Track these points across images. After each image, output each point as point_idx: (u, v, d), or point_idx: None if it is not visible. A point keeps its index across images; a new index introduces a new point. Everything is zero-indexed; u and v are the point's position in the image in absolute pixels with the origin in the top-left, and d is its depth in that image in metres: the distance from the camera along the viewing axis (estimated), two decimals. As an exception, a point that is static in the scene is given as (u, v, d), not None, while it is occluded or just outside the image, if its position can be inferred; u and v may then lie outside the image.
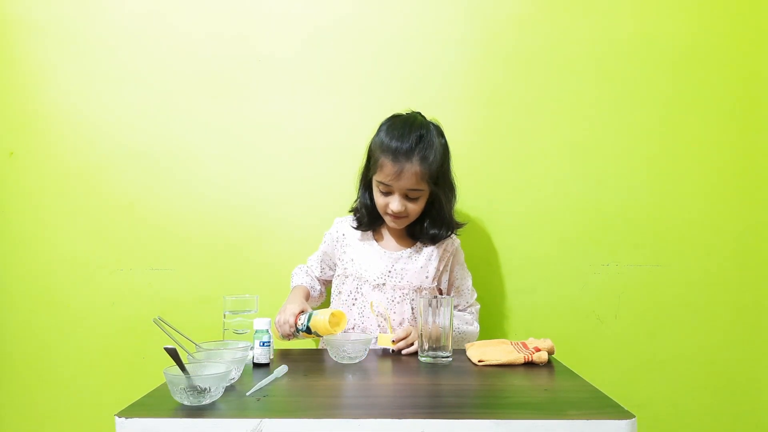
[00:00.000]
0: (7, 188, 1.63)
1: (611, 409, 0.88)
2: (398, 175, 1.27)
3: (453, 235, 1.43)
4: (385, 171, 1.28)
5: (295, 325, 1.27)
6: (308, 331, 1.26)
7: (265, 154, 1.62)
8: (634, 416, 0.84)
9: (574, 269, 1.62)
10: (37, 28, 1.62)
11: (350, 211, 1.47)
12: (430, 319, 1.19)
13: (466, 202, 1.57)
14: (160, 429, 0.84)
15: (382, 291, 1.37)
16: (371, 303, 1.36)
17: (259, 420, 0.83)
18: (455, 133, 1.45)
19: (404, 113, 1.38)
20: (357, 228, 1.43)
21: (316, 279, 1.51)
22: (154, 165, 1.62)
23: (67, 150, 1.63)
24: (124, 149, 1.63)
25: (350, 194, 1.49)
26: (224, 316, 1.23)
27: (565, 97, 1.61)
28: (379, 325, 1.36)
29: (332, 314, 1.24)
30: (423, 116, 1.38)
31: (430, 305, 1.19)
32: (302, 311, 1.29)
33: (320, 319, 1.23)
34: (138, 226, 1.62)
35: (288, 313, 1.29)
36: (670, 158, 1.61)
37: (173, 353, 0.91)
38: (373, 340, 1.28)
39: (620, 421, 0.83)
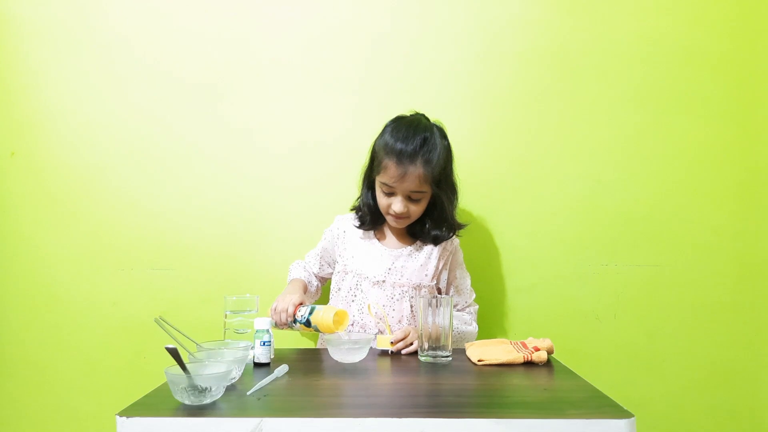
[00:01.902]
0: (7, 188, 1.64)
1: (610, 409, 0.88)
2: (402, 177, 1.28)
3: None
4: (389, 173, 1.29)
5: (294, 315, 1.27)
6: (308, 324, 1.25)
7: (265, 154, 1.63)
8: (634, 416, 0.84)
9: (573, 269, 1.62)
10: (37, 28, 1.62)
11: (352, 210, 1.48)
12: (430, 319, 1.19)
13: (466, 202, 1.58)
14: (161, 428, 0.84)
15: (381, 288, 1.37)
16: (368, 305, 1.37)
17: (259, 419, 0.83)
18: (456, 133, 1.45)
19: (408, 115, 1.39)
20: (359, 227, 1.43)
21: (313, 275, 1.51)
22: (155, 165, 1.63)
23: (67, 150, 1.63)
24: (124, 149, 1.63)
25: (350, 194, 1.50)
26: (225, 315, 1.24)
27: (565, 97, 1.62)
28: (376, 324, 1.36)
29: (336, 313, 1.24)
30: (427, 118, 1.39)
31: (429, 305, 1.19)
32: (302, 303, 1.29)
33: (323, 316, 1.23)
34: (138, 226, 1.63)
35: (288, 302, 1.28)
36: (670, 158, 1.61)
37: (174, 353, 0.91)
38: (373, 342, 1.28)
39: (619, 420, 0.83)
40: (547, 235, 1.62)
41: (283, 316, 1.28)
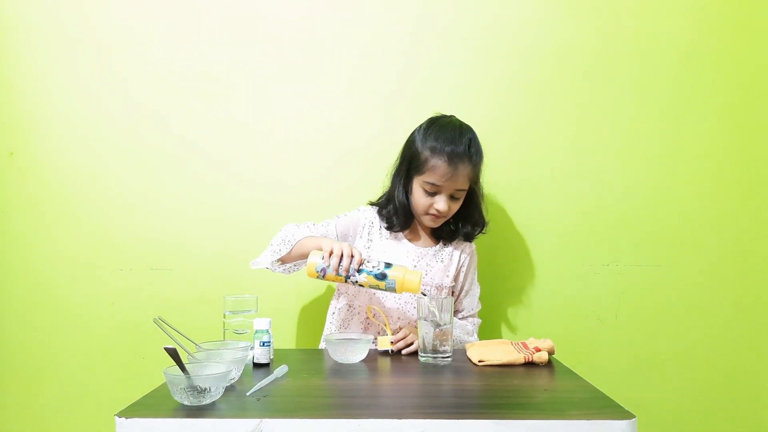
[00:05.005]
0: (7, 188, 1.63)
1: (611, 409, 0.88)
2: (451, 176, 1.31)
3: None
4: (438, 172, 1.31)
5: (359, 264, 1.20)
6: (380, 277, 1.18)
7: (265, 154, 1.62)
8: (634, 416, 0.84)
9: (574, 269, 1.61)
10: (37, 29, 1.62)
11: (370, 204, 1.46)
12: (431, 320, 1.19)
13: (466, 202, 1.57)
14: (160, 429, 0.84)
15: None
16: (368, 307, 1.37)
17: (259, 420, 0.83)
18: (455, 133, 1.45)
19: (440, 115, 1.40)
20: (388, 229, 1.42)
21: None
22: (153, 165, 1.62)
23: (66, 150, 1.63)
24: (122, 149, 1.63)
25: (351, 194, 1.50)
26: (224, 316, 1.23)
27: (565, 97, 1.61)
28: (374, 316, 1.36)
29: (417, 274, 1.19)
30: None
31: (430, 305, 1.19)
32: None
33: (408, 277, 1.18)
34: (138, 226, 1.62)
35: (349, 246, 1.20)
36: (670, 158, 1.61)
37: (173, 353, 0.91)
38: (373, 343, 1.28)
39: (620, 421, 0.83)
40: (548, 235, 1.61)
41: (347, 262, 1.18)
